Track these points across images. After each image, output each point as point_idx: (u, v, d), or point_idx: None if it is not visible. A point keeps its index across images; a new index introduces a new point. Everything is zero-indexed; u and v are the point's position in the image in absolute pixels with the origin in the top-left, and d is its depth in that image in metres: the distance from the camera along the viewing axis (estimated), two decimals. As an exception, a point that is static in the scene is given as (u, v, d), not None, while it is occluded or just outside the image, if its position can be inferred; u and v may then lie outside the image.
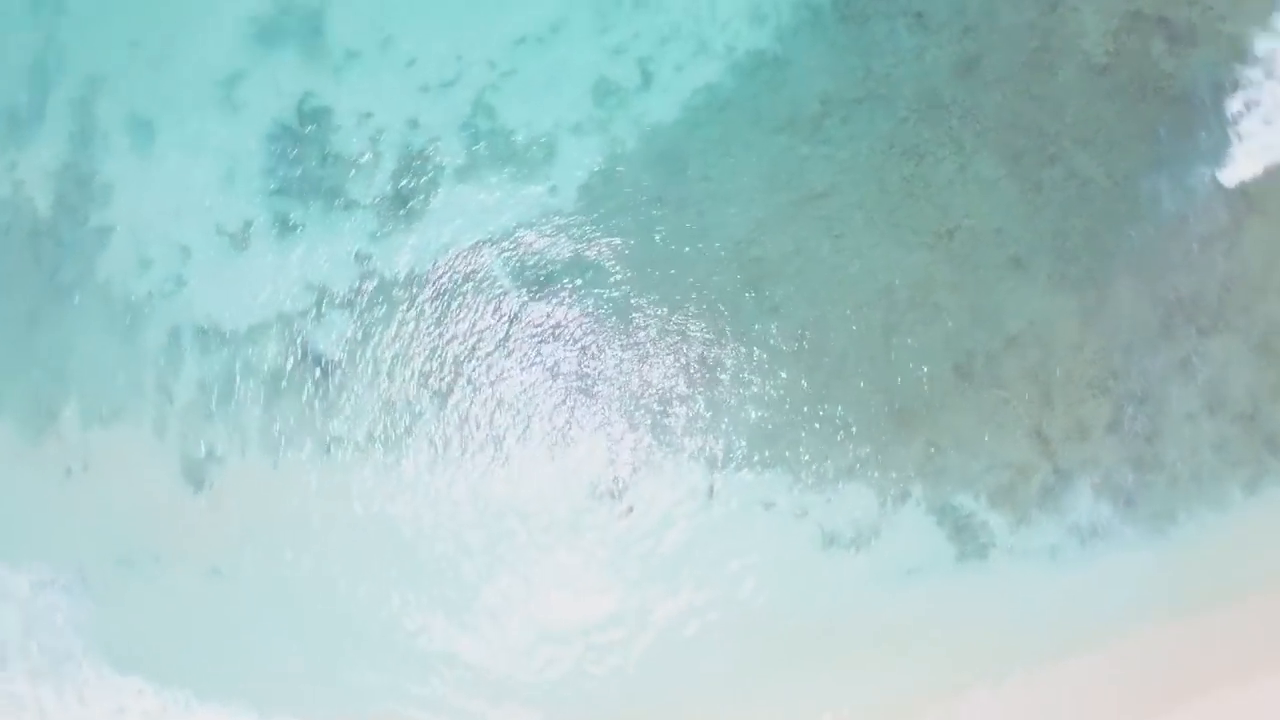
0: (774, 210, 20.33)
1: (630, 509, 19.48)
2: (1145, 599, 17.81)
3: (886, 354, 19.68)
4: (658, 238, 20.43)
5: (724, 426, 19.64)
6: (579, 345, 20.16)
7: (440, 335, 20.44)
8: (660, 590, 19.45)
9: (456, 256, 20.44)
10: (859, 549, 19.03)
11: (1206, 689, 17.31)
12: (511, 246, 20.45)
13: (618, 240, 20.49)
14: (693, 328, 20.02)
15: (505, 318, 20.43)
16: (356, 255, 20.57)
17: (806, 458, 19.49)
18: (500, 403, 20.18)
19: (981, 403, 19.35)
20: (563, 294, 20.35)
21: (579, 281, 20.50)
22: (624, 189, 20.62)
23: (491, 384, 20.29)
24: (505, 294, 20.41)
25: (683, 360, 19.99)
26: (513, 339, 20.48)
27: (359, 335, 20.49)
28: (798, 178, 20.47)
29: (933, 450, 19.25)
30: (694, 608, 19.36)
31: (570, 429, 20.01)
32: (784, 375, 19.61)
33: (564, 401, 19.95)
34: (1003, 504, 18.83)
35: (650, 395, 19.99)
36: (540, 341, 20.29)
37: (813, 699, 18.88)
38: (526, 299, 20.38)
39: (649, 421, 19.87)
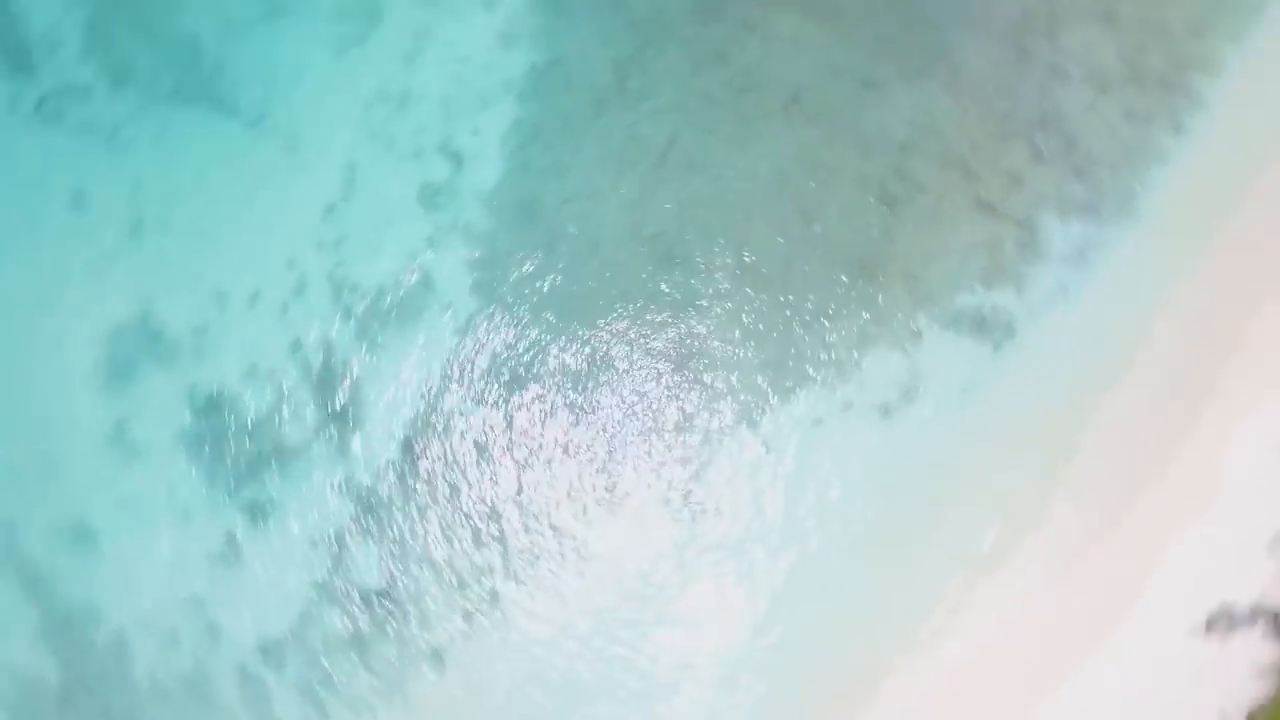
0: (639, 185, 20.50)
1: (704, 509, 19.88)
2: (1154, 274, 18.97)
3: (816, 230, 20.19)
4: (563, 279, 20.42)
5: (733, 387, 19.94)
6: (571, 420, 20.13)
7: (466, 478, 20.14)
8: (775, 544, 19.90)
9: (426, 416, 20.12)
10: (912, 400, 19.63)
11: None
12: (461, 379, 20.20)
13: (536, 304, 20.39)
14: (648, 329, 20.20)
15: (500, 432, 20.26)
16: (338, 485, 20.08)
17: (817, 361, 19.99)
18: (544, 502, 20.09)
19: (919, 213, 20.01)
20: (529, 387, 20.23)
21: (531, 364, 20.38)
22: (508, 260, 20.49)
23: (525, 494, 20.19)
24: (487, 414, 20.22)
25: (662, 362, 20.18)
26: (517, 446, 20.34)
27: (393, 548, 20.13)
28: (639, 144, 20.64)
29: (910, 279, 19.89)
30: (809, 540, 19.84)
31: (618, 485, 20.10)
32: (748, 309, 19.97)
33: (602, 469, 20.01)
34: (996, 281, 19.63)
35: (661, 409, 20.16)
36: (541, 438, 20.21)
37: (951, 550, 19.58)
38: (505, 412, 20.21)
39: (676, 429, 20.09)
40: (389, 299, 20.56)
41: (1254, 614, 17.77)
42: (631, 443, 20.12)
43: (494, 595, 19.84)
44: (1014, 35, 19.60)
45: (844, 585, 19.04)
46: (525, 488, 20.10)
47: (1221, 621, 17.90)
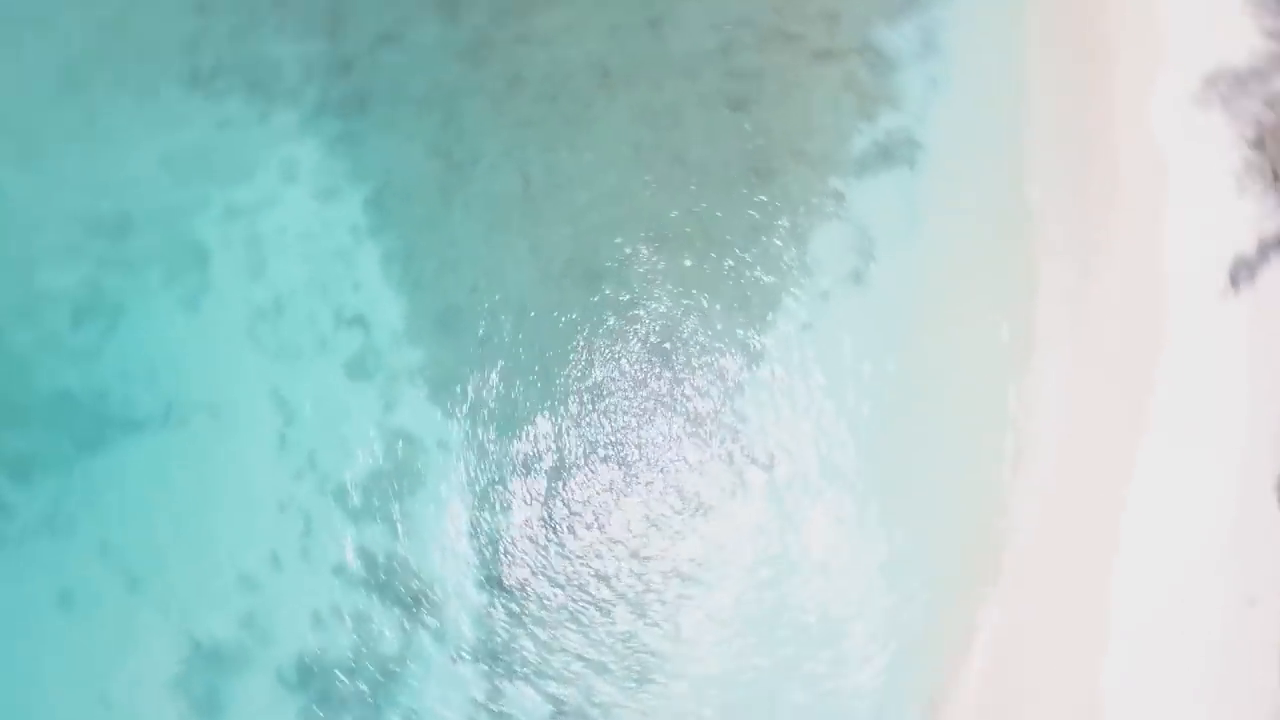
0: (523, 233, 20.38)
1: (772, 460, 20.13)
2: (1002, 15, 19.39)
3: (695, 169, 20.29)
4: (519, 349, 20.30)
5: (721, 345, 20.07)
6: (611, 458, 20.15)
7: (558, 571, 20.02)
8: (846, 445, 20.10)
9: (489, 547, 19.91)
10: (872, 254, 19.96)
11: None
12: (494, 497, 20.06)
13: (512, 389, 20.24)
14: (615, 347, 20.20)
15: (559, 514, 20.15)
16: (460, 656, 19.89)
17: (774, 276, 20.18)
18: (637, 544, 20.08)
19: (771, 97, 20.26)
20: (554, 457, 20.13)
21: (542, 437, 20.29)
22: (462, 372, 20.23)
23: (617, 547, 20.19)
24: (537, 510, 20.10)
25: (647, 364, 20.22)
26: (582, 514, 20.27)
27: (539, 671, 20.06)
28: (499, 199, 20.49)
29: (801, 156, 20.13)
30: (873, 426, 20.07)
31: (683, 490, 20.18)
32: (686, 274, 20.11)
33: (662, 487, 20.08)
34: (873, 110, 19.96)
35: (674, 405, 20.24)
36: (597, 490, 20.21)
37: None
38: (551, 494, 20.10)
39: (698, 412, 20.18)
40: (388, 477, 20.24)
41: (1263, 251, 18.39)
42: (670, 450, 20.18)
43: (647, 652, 19.89)
44: None
45: (922, 447, 19.45)
46: (613, 541, 20.10)
47: (1241, 271, 18.50)
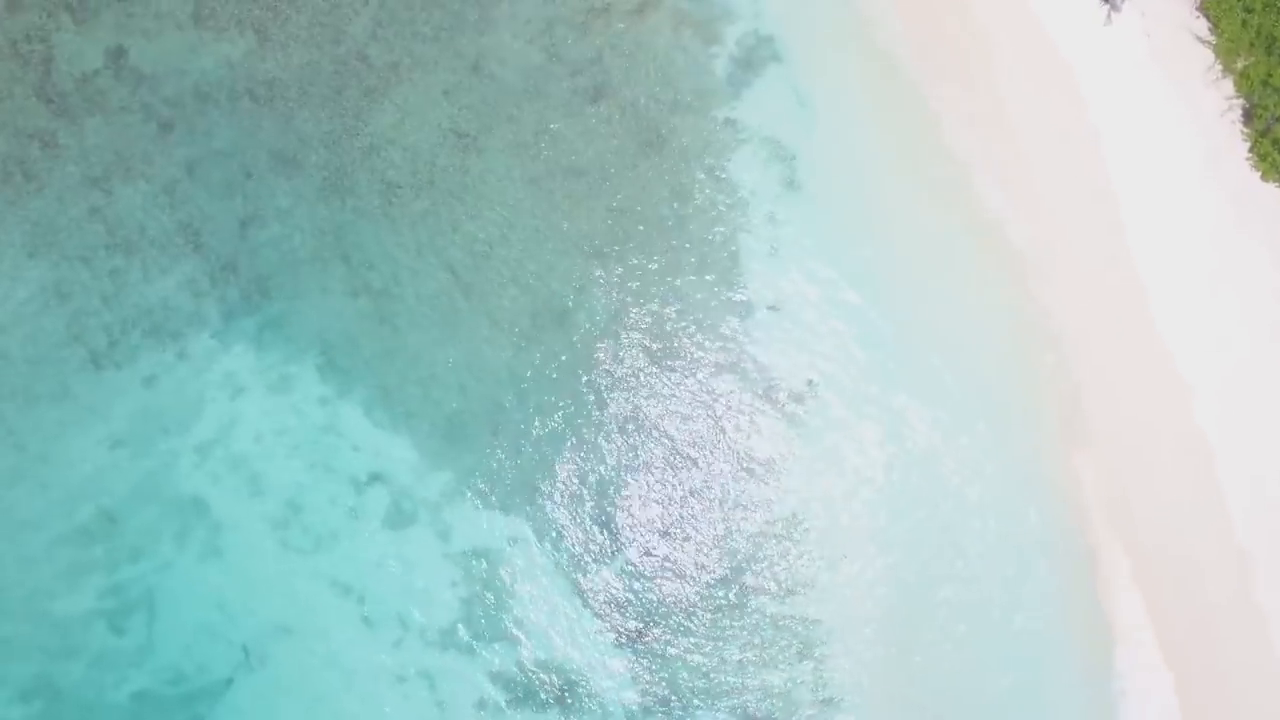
0: (482, 315, 20.10)
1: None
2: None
3: (589, 166, 20.24)
4: (533, 426, 20.11)
5: (707, 312, 20.18)
6: (671, 461, 20.17)
7: (684, 570, 20.15)
8: (877, 341, 20.53)
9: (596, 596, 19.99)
10: (793, 156, 20.34)
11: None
12: (582, 548, 20.02)
13: (544, 463, 20.08)
14: (612, 366, 20.13)
15: (651, 532, 20.17)
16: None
17: (717, 224, 20.28)
18: (745, 521, 20.31)
19: (616, 66, 20.30)
20: (613, 492, 20.13)
21: (593, 483, 20.18)
22: (489, 467, 19.93)
23: (719, 544, 20.22)
24: (619, 537, 20.13)
25: (650, 369, 20.20)
26: (672, 528, 20.33)
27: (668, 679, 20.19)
28: (440, 301, 20.17)
29: (672, 105, 20.33)
30: (895, 314, 20.41)
31: (754, 453, 20.31)
32: (639, 270, 20.11)
33: (738, 460, 20.27)
34: (712, 29, 20.23)
35: (697, 388, 20.32)
36: (668, 500, 20.26)
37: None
38: (624, 518, 20.15)
39: (720, 387, 20.29)
40: (481, 599, 19.91)
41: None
42: (716, 428, 20.24)
43: (801, 624, 19.93)
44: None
45: (936, 299, 19.92)
46: (714, 540, 20.12)
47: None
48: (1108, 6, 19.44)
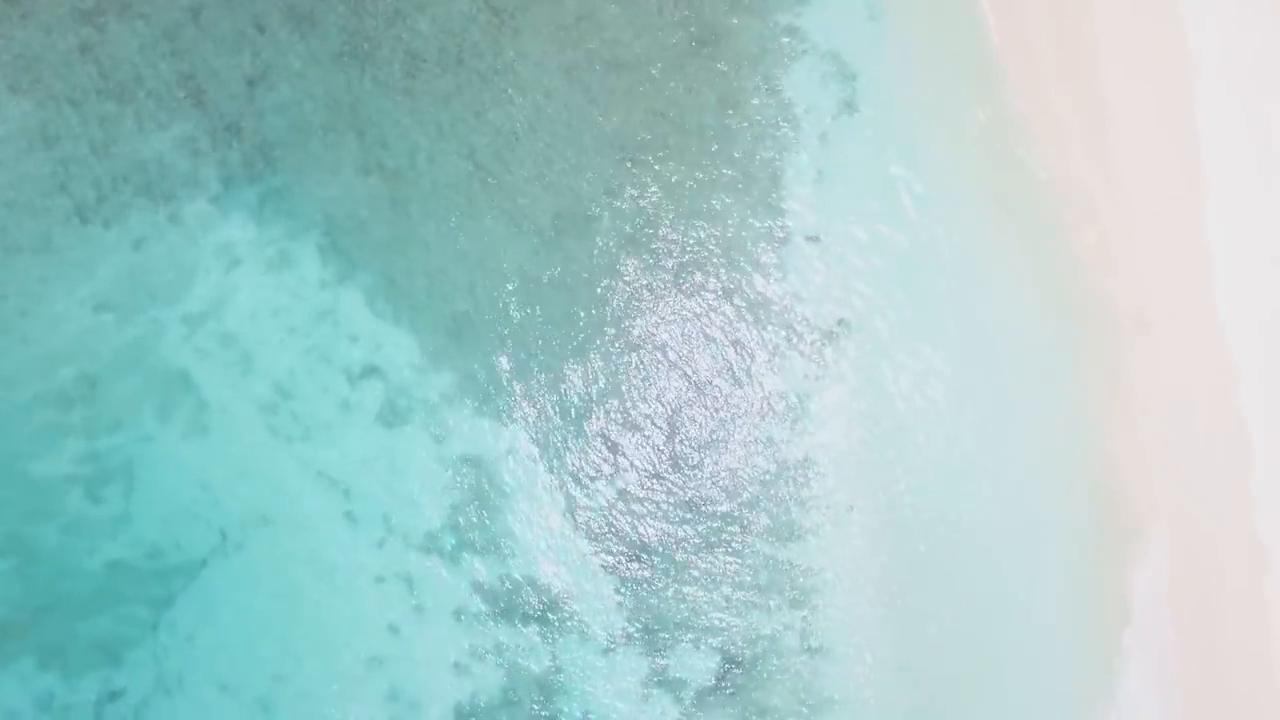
0: (501, 204, 18.74)
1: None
2: None
3: (633, 61, 18.57)
4: (548, 326, 19.00)
5: (746, 242, 18.85)
6: (722, 381, 19.33)
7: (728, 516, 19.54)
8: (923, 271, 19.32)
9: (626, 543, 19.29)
10: (854, 78, 18.72)
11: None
12: (589, 483, 19.21)
13: (561, 367, 19.09)
14: (646, 296, 18.96)
15: (683, 465, 19.42)
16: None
17: (761, 155, 18.75)
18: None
19: None
20: (647, 408, 19.20)
21: (619, 405, 19.30)
22: (497, 369, 19.02)
23: (771, 487, 19.50)
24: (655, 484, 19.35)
25: (687, 295, 19.04)
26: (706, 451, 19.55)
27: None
28: (440, 180, 18.75)
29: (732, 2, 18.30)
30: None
31: (808, 402, 19.33)
32: (686, 184, 18.66)
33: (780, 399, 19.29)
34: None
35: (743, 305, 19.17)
36: (723, 421, 19.40)
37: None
38: (665, 454, 19.31)
39: (769, 313, 19.13)
40: (469, 506, 19.14)
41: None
42: (738, 361, 19.19)
43: (799, 572, 19.32)
44: None
45: (999, 263, 18.61)
46: (722, 471, 19.34)
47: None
48: None
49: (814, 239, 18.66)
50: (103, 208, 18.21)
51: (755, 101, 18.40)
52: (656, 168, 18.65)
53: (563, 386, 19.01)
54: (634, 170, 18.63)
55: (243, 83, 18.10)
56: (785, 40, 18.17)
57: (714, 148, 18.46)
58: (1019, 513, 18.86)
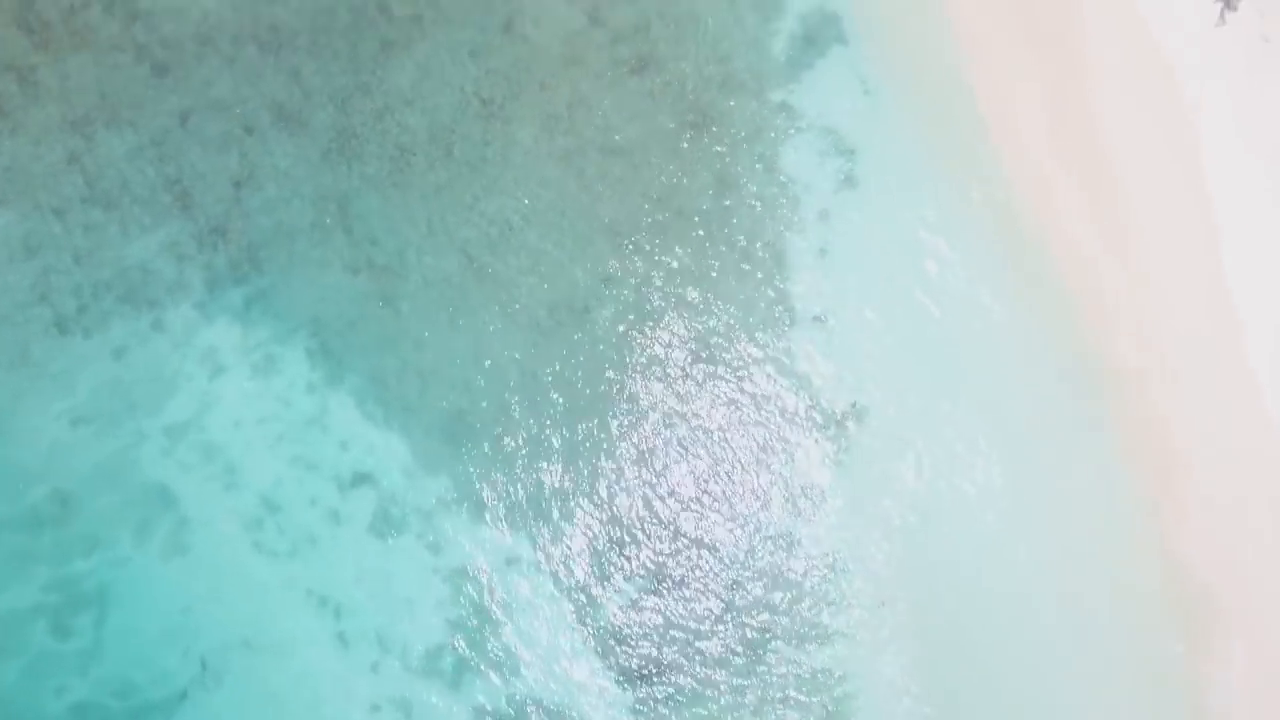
0: (495, 297, 18.09)
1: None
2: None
3: (626, 145, 18.23)
4: (569, 449, 18.05)
5: (750, 325, 18.10)
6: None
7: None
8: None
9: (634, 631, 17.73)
10: (853, 152, 18.34)
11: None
12: (614, 556, 17.78)
13: (565, 454, 18.00)
14: (651, 381, 18.12)
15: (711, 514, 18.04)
16: None
17: (761, 234, 18.24)
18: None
19: (664, 35, 18.28)
20: (663, 474, 17.97)
21: (628, 468, 18.11)
22: (502, 467, 17.91)
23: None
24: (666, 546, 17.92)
25: (693, 379, 18.16)
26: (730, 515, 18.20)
27: None
28: (431, 275, 18.12)
29: (723, 83, 18.35)
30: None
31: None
32: (686, 267, 18.05)
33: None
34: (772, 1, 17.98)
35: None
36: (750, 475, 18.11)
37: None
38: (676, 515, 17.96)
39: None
40: (470, 622, 17.82)
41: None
42: (747, 441, 18.17)
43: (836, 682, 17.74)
44: None
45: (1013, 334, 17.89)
46: (743, 573, 18.01)
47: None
48: (1221, 4, 17.35)
49: (821, 319, 17.87)
50: (84, 317, 17.59)
51: (753, 181, 17.96)
52: (655, 254, 18.07)
53: (566, 489, 17.89)
54: (632, 258, 18.05)
55: (229, 184, 17.77)
56: (780, 118, 17.87)
57: (714, 230, 17.91)
58: (1065, 602, 17.31)
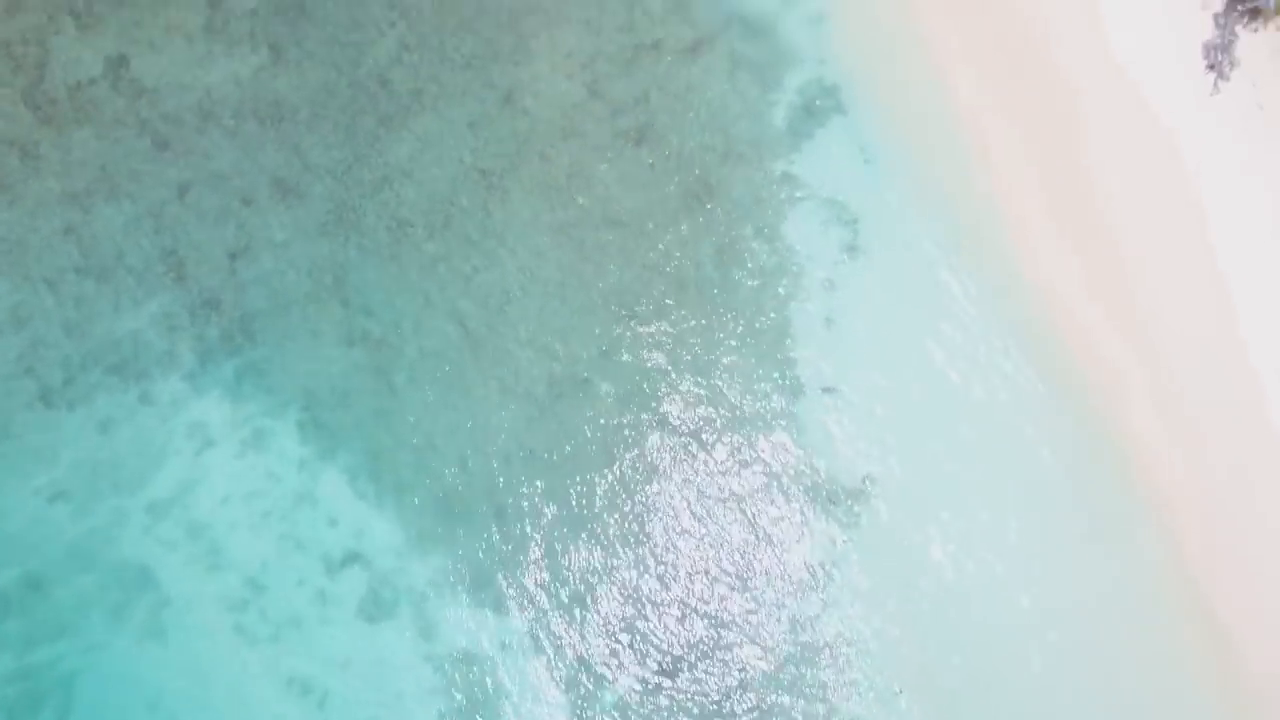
0: (492, 371, 17.61)
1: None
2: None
3: (626, 217, 18.07)
4: (566, 528, 17.33)
5: (754, 397, 17.62)
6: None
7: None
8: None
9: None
10: (855, 220, 18.14)
11: None
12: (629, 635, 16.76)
13: (573, 535, 17.22)
14: (651, 458, 17.50)
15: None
16: None
17: (765, 303, 17.90)
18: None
19: (664, 107, 18.32)
20: (669, 570, 17.10)
21: (623, 558, 17.27)
22: (498, 543, 17.12)
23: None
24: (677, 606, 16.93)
25: (693, 458, 17.55)
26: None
27: None
28: (427, 348, 17.68)
29: (724, 153, 18.29)
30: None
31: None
32: (687, 338, 17.71)
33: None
34: (772, 74, 18.31)
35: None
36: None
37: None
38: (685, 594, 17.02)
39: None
40: (463, 709, 16.82)
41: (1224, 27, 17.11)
42: (753, 519, 17.45)
43: None
44: None
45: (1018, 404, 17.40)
46: (750, 655, 17.02)
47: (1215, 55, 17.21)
48: (1214, 74, 17.39)
49: (830, 390, 17.34)
50: (69, 389, 17.13)
51: (756, 251, 17.69)
52: (656, 325, 17.69)
53: (563, 569, 17.09)
54: (632, 329, 17.66)
55: (225, 256, 17.55)
56: (781, 188, 17.72)
57: (716, 301, 17.56)
58: (1092, 687, 16.25)
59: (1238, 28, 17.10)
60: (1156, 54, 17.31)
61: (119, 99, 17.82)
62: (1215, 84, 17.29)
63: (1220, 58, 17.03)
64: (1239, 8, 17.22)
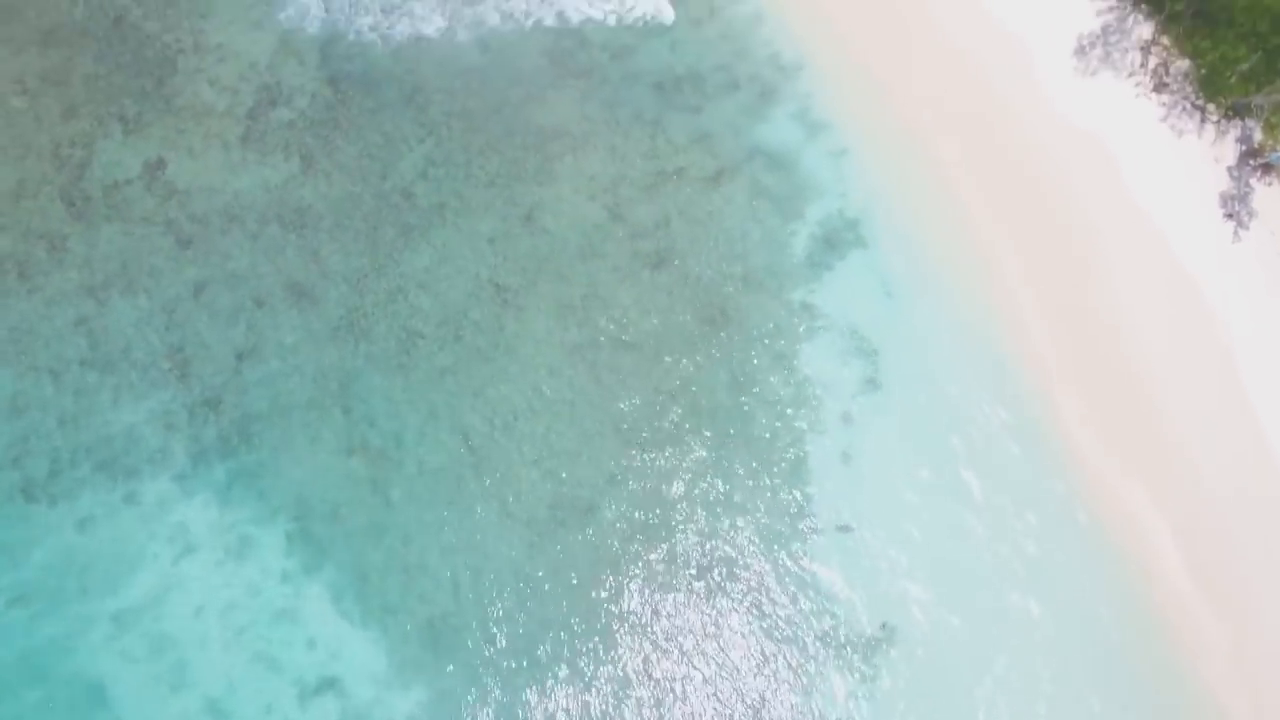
0: (493, 491, 16.83)
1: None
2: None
3: (641, 340, 17.73)
4: (561, 664, 16.14)
5: (767, 538, 16.74)
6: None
7: None
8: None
9: None
10: (875, 353, 17.85)
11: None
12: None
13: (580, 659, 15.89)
14: (655, 592, 16.51)
15: None
16: None
17: (780, 437, 17.32)
18: None
19: (684, 232, 18.42)
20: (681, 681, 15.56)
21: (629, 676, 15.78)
22: (494, 669, 15.79)
23: None
24: None
25: (702, 596, 16.49)
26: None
27: None
28: (429, 463, 16.96)
29: (742, 281, 18.15)
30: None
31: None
32: (700, 468, 17.05)
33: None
34: (793, 205, 18.50)
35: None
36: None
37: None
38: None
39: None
40: None
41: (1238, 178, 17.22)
42: (765, 664, 16.18)
43: None
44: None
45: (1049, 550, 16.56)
46: None
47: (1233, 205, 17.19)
48: (1233, 223, 17.28)
49: (846, 529, 16.40)
50: (54, 483, 16.45)
51: (772, 381, 17.20)
52: (667, 454, 17.02)
53: (557, 712, 15.70)
54: (641, 456, 16.98)
55: (231, 355, 17.25)
56: (800, 318, 17.44)
57: (729, 431, 16.93)
58: None
59: (1251, 180, 17.14)
60: (1176, 203, 17.34)
61: (150, 199, 18.10)
62: (1235, 233, 17.15)
63: (1238, 208, 16.98)
64: (1250, 163, 17.33)
